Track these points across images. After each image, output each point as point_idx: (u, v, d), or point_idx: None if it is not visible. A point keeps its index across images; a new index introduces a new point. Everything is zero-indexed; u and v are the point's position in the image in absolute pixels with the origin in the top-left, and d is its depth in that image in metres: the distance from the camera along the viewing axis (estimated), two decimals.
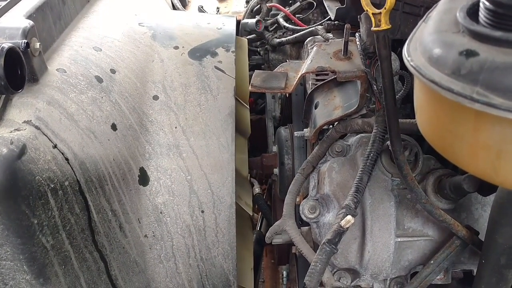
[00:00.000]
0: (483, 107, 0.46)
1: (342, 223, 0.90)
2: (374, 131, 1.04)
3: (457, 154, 0.53)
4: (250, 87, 1.08)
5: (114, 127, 1.10)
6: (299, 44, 1.90)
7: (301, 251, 1.10)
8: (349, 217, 0.89)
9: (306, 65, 1.06)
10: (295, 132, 1.35)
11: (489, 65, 0.47)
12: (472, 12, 0.53)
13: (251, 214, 1.39)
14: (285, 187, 1.62)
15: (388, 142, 1.03)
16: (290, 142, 1.62)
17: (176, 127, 1.22)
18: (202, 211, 1.21)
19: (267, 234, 1.22)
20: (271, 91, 1.09)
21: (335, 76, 1.20)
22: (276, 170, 1.67)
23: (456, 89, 0.48)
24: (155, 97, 1.23)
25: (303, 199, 1.18)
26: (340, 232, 0.91)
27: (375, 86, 1.04)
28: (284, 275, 2.15)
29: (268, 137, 2.04)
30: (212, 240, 1.23)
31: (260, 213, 2.17)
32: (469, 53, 0.49)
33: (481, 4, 0.52)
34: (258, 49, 2.13)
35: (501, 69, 0.46)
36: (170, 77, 1.27)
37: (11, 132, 0.88)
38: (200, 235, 1.23)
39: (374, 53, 1.08)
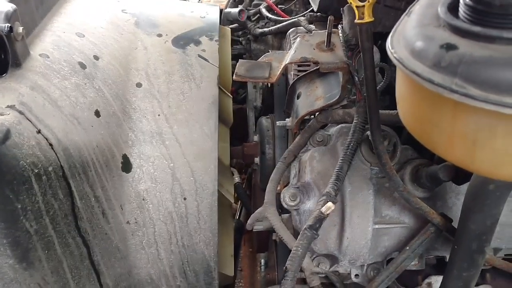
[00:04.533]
0: (461, 98, 0.49)
1: (323, 209, 0.93)
2: (354, 121, 1.07)
3: (436, 142, 0.56)
4: (234, 76, 1.10)
5: (97, 113, 1.10)
6: (281, 34, 1.91)
7: (281, 237, 1.13)
8: (329, 203, 0.92)
9: (289, 56, 1.08)
10: (277, 122, 1.37)
11: (467, 59, 0.50)
12: (453, 7, 0.56)
13: (232, 201, 1.41)
14: (266, 176, 1.64)
15: (368, 132, 1.06)
16: (271, 132, 1.64)
17: (159, 115, 1.22)
18: (185, 198, 1.23)
19: (248, 221, 1.24)
20: (255, 81, 1.10)
21: (318, 67, 1.23)
22: (257, 159, 1.70)
23: (437, 80, 0.51)
24: (138, 85, 1.24)
25: (284, 187, 1.21)
26: (321, 218, 0.94)
27: (356, 78, 1.06)
28: (262, 263, 2.18)
29: (249, 127, 2.06)
30: (194, 226, 1.25)
31: (240, 202, 2.19)
32: (449, 47, 0.52)
33: (461, 0, 0.54)
34: (240, 39, 2.14)
35: (479, 63, 0.49)
36: (153, 65, 1.27)
37: None
38: (182, 222, 1.24)
39: (356, 45, 1.11)
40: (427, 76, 0.51)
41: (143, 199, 1.21)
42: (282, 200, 1.17)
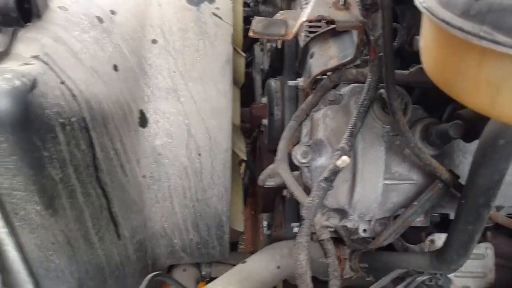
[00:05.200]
0: (488, 44, 0.52)
1: (338, 162, 0.96)
2: (368, 79, 1.09)
3: (460, 89, 0.59)
4: (250, 33, 1.11)
5: (115, 68, 1.12)
6: None
7: (293, 192, 1.17)
8: (345, 157, 0.96)
9: (306, 14, 1.09)
10: (288, 81, 1.39)
11: (496, 7, 0.52)
12: None
13: (245, 159, 1.45)
14: (274, 137, 1.68)
15: (381, 91, 1.09)
16: (280, 93, 1.66)
17: (174, 72, 1.24)
18: (199, 154, 1.26)
19: (260, 177, 1.28)
20: (271, 38, 1.12)
21: (331, 27, 1.25)
22: (265, 121, 1.72)
23: (465, 28, 0.53)
24: (154, 41, 1.25)
25: (294, 146, 1.24)
26: (336, 171, 0.97)
27: (372, 37, 1.08)
28: (265, 225, 2.24)
29: (255, 90, 2.08)
30: (208, 182, 1.29)
31: (244, 165, 2.23)
32: None
33: None
34: (248, 1, 2.13)
35: (507, 10, 0.51)
36: (168, 22, 1.28)
37: (20, 66, 0.89)
38: (197, 177, 1.28)
39: (371, 5, 1.13)
40: (456, 24, 0.54)
41: (159, 154, 1.24)
42: (293, 157, 1.20)
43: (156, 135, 1.23)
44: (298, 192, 1.16)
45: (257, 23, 1.12)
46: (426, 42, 0.63)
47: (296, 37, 1.60)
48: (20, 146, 0.87)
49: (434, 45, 0.61)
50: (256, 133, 2.19)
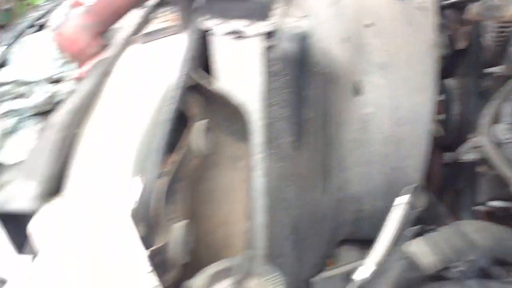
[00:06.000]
0: None
1: None
2: None
3: None
4: (473, 14, 1.26)
5: (348, 40, 1.32)
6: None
7: (496, 163, 1.26)
8: None
9: None
10: (487, 69, 1.50)
11: None
12: None
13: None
14: (449, 131, 1.78)
15: None
16: (457, 91, 1.77)
17: (386, 51, 1.41)
18: (401, 125, 1.40)
19: (460, 150, 1.38)
20: (492, 19, 1.25)
21: None
22: (439, 117, 1.82)
23: None
24: (369, 25, 1.43)
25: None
26: None
27: None
28: None
29: None
30: (407, 152, 1.41)
31: None
32: None
33: None
34: None
35: None
36: (381, 10, 1.46)
37: (297, 20, 1.12)
38: (396, 146, 1.41)
39: None
40: None
41: (365, 121, 1.40)
42: (496, 134, 1.29)
43: (365, 104, 1.39)
44: (501, 163, 1.25)
45: (477, 6, 1.26)
46: None
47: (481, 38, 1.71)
48: (295, 81, 1.08)
49: None
50: None
